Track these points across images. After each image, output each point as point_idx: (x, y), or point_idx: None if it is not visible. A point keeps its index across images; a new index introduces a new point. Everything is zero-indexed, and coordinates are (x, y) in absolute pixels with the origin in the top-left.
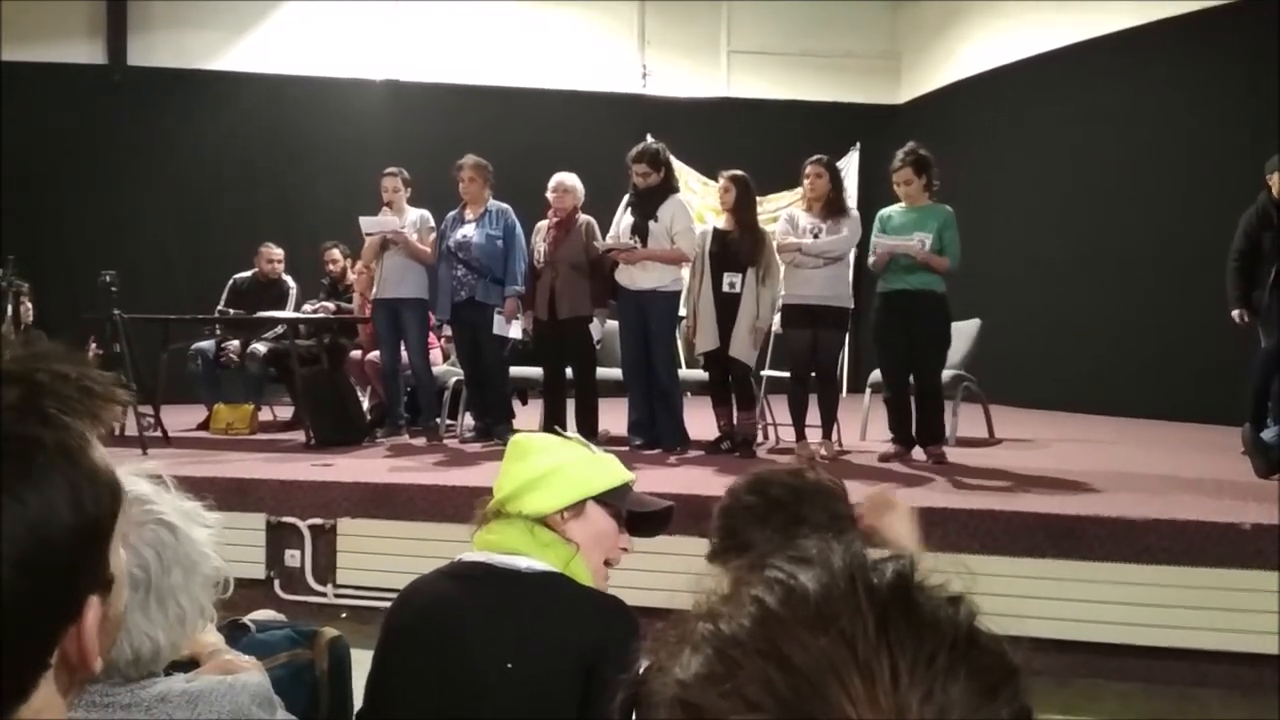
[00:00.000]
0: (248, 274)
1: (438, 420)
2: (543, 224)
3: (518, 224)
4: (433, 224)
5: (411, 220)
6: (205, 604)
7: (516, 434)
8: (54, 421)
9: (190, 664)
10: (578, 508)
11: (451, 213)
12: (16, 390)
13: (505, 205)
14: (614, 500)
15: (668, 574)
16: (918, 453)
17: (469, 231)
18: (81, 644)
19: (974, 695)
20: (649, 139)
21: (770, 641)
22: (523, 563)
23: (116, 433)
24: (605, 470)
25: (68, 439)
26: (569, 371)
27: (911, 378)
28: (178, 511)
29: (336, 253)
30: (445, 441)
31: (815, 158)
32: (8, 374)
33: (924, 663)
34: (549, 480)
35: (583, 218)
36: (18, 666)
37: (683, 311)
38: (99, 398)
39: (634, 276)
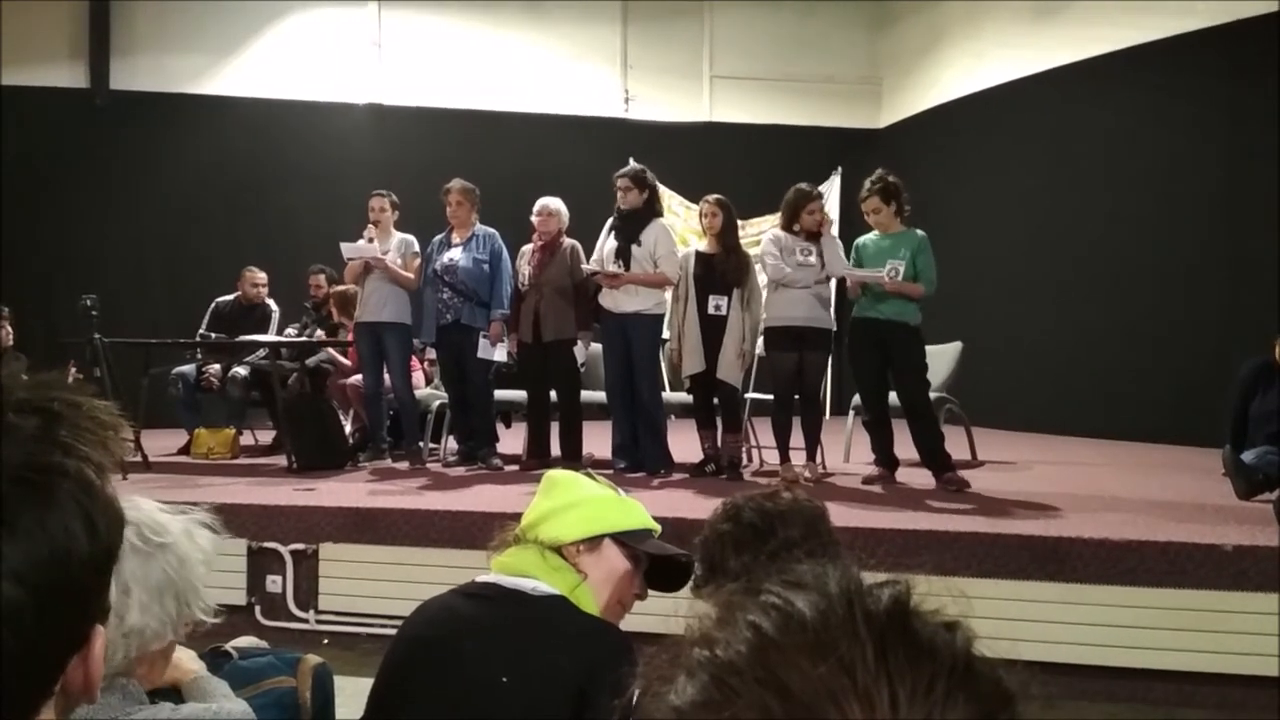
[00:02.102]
0: (230, 297)
1: (420, 444)
2: (527, 248)
3: (504, 248)
4: (417, 249)
5: (395, 244)
6: None
7: (551, 470)
8: (73, 451)
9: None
10: (594, 542)
11: (438, 236)
12: (35, 419)
13: (492, 230)
14: (632, 543)
15: (656, 598)
16: (900, 475)
17: (455, 255)
18: (88, 672)
19: None
20: (632, 163)
21: (768, 669)
22: (529, 584)
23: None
24: (627, 512)
25: (85, 468)
26: (553, 395)
27: (900, 404)
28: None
29: (322, 278)
30: (428, 465)
31: (817, 193)
32: (24, 403)
33: (923, 691)
34: (569, 512)
35: (567, 242)
36: (28, 693)
37: (666, 335)
38: (108, 428)
39: (617, 300)
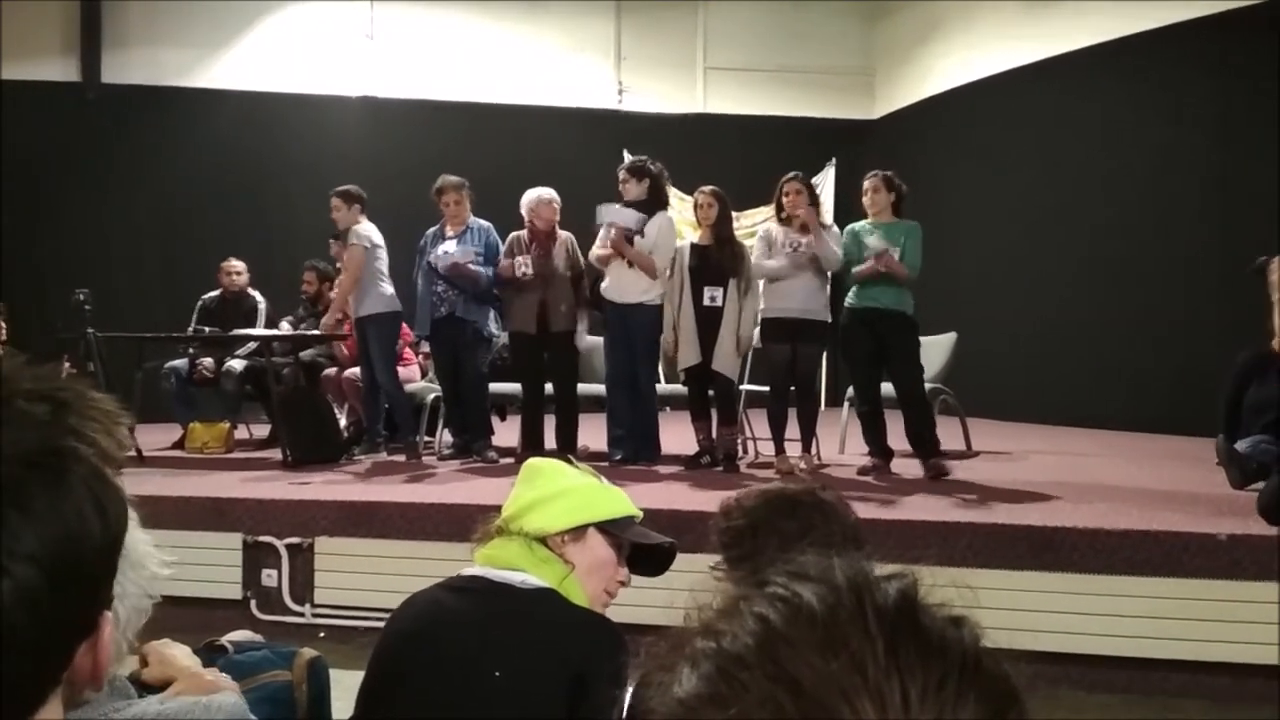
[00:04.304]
0: (214, 293)
1: (416, 437)
2: (517, 235)
3: (500, 242)
4: (377, 240)
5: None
6: None
7: (532, 458)
8: (82, 437)
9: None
10: (579, 532)
11: (431, 229)
12: (45, 406)
13: (486, 223)
14: (616, 531)
15: (644, 589)
16: (895, 465)
17: (450, 248)
18: (96, 658)
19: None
20: (625, 155)
21: (777, 663)
22: (517, 577)
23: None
24: (610, 500)
25: (94, 455)
26: (549, 387)
27: (895, 393)
28: None
29: (312, 275)
30: (424, 458)
31: (793, 174)
32: (34, 391)
33: (934, 688)
34: (553, 502)
35: (563, 233)
36: (39, 679)
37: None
38: (110, 417)
39: (619, 290)
